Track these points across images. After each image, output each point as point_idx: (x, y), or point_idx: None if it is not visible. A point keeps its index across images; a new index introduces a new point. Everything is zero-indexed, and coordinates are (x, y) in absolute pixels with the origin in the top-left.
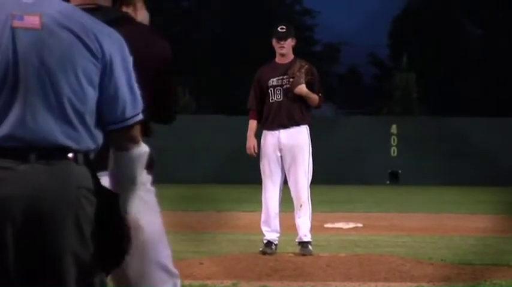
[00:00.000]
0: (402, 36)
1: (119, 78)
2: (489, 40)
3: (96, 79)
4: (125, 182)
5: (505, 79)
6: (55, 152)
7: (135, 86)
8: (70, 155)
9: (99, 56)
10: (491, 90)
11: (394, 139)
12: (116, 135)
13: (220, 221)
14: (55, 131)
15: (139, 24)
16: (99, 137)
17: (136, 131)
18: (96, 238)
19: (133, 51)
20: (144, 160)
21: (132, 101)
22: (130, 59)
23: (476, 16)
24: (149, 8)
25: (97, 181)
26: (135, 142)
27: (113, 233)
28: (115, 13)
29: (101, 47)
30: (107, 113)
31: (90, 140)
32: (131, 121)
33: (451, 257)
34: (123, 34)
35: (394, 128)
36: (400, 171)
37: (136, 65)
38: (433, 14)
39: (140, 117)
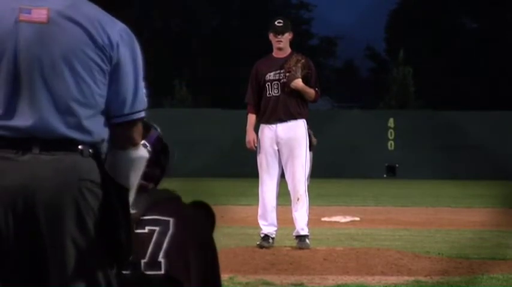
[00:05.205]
0: (399, 30)
1: (126, 72)
2: (486, 34)
3: (102, 72)
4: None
5: (501, 73)
6: (59, 144)
7: (141, 83)
8: (75, 147)
9: (107, 49)
10: (488, 84)
11: (391, 133)
12: (114, 131)
13: (217, 215)
14: (59, 123)
15: None
16: (106, 129)
17: (135, 132)
18: (102, 230)
19: None
20: (140, 165)
21: (133, 98)
22: (139, 55)
23: (473, 10)
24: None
25: (105, 174)
26: (133, 143)
27: (117, 227)
28: None
29: (109, 39)
30: (107, 106)
31: (97, 132)
32: (129, 117)
33: (448, 250)
34: None
35: (391, 122)
36: (397, 165)
37: None
38: (429, 8)
39: (140, 115)
